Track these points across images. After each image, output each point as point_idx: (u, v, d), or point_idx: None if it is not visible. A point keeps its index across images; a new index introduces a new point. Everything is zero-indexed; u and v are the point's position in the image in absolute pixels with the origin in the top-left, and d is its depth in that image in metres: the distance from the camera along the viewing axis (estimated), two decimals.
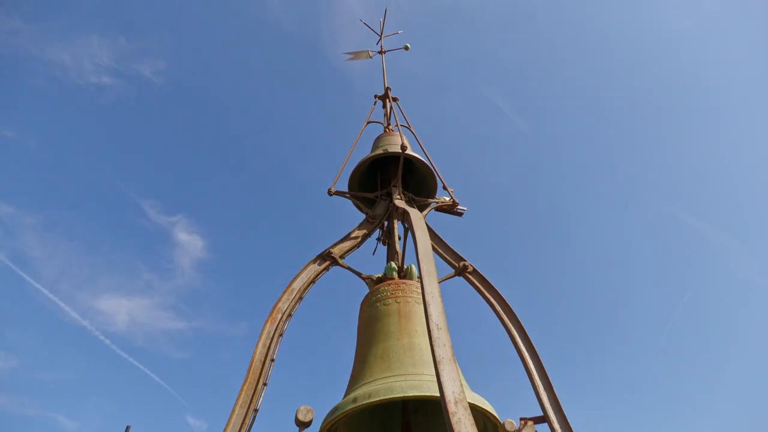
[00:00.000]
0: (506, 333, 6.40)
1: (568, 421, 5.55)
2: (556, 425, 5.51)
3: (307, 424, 5.41)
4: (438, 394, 4.69)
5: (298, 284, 6.48)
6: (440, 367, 3.86)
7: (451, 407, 3.56)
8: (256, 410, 5.39)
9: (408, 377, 4.97)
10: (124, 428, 5.68)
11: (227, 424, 5.26)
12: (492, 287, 6.83)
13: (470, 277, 6.93)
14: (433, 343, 4.08)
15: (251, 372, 5.56)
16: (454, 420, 3.46)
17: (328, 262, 6.78)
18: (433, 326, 4.26)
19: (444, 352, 4.01)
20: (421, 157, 8.17)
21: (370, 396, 4.79)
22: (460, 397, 3.65)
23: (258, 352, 5.72)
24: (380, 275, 6.89)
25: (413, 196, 8.25)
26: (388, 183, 8.16)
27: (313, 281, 6.61)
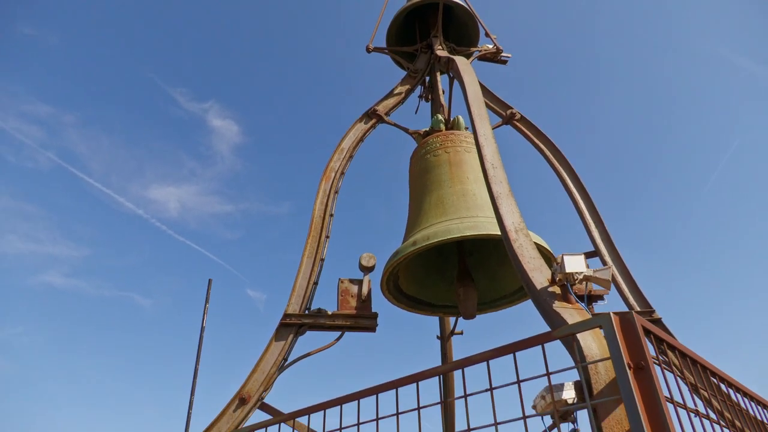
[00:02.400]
0: (556, 176, 6.46)
1: (619, 252, 5.77)
2: (607, 257, 5.75)
3: (371, 269, 5.84)
4: (493, 233, 4.93)
5: (347, 143, 6.58)
6: (499, 202, 3.98)
7: (512, 235, 3.73)
8: (322, 259, 5.82)
9: (464, 219, 5.18)
10: (207, 282, 6.23)
11: (298, 273, 5.74)
12: (541, 132, 6.76)
13: (518, 124, 6.85)
14: (490, 181, 4.18)
15: (313, 226, 5.91)
16: (515, 246, 3.65)
17: (374, 120, 6.79)
18: (488, 166, 4.33)
19: (501, 188, 4.12)
20: (461, 2, 7.69)
21: (428, 238, 5.05)
22: (520, 225, 3.81)
23: (317, 209, 6.02)
24: (427, 129, 6.88)
25: (454, 46, 7.91)
26: (428, 34, 7.80)
27: (361, 139, 6.69)
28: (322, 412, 3.40)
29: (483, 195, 5.45)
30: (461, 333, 7.78)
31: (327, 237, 5.90)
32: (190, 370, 5.90)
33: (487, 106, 6.90)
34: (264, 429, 3.70)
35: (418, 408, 2.74)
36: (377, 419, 2.99)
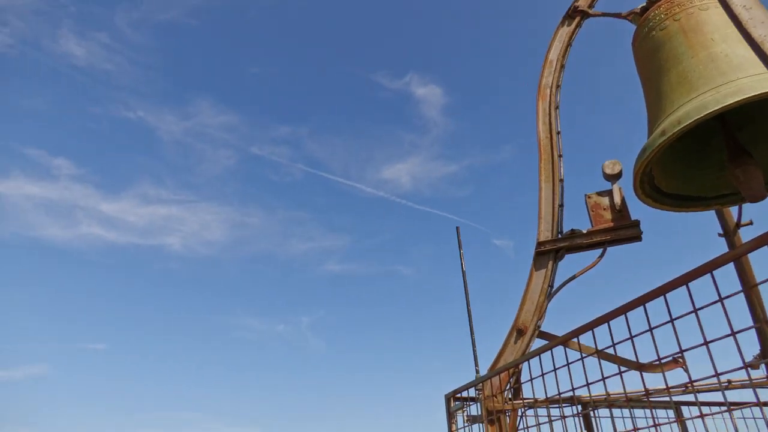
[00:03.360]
0: None
1: None
2: None
3: (618, 176, 5.36)
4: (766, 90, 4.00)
5: (554, 54, 6.11)
6: (766, 47, 3.23)
7: None
8: (561, 180, 5.57)
9: (720, 88, 4.33)
10: (455, 228, 6.55)
11: (539, 199, 5.61)
12: None
13: None
14: (747, 26, 3.41)
15: (542, 149, 5.68)
16: None
17: (577, 18, 6.14)
18: (739, 10, 3.53)
19: (765, 29, 3.32)
20: None
21: (680, 122, 4.38)
22: None
23: (540, 130, 5.76)
24: (643, 4, 5.92)
25: None
26: None
27: (568, 45, 6.13)
28: (590, 332, 3.30)
29: (738, 52, 4.46)
30: (750, 223, 6.60)
31: (560, 156, 5.61)
32: (464, 316, 6.31)
33: None
34: (542, 354, 3.76)
35: (720, 300, 2.44)
36: (650, 329, 2.77)
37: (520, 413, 5.69)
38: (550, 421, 4.40)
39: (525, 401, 5.61)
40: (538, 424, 4.68)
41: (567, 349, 3.68)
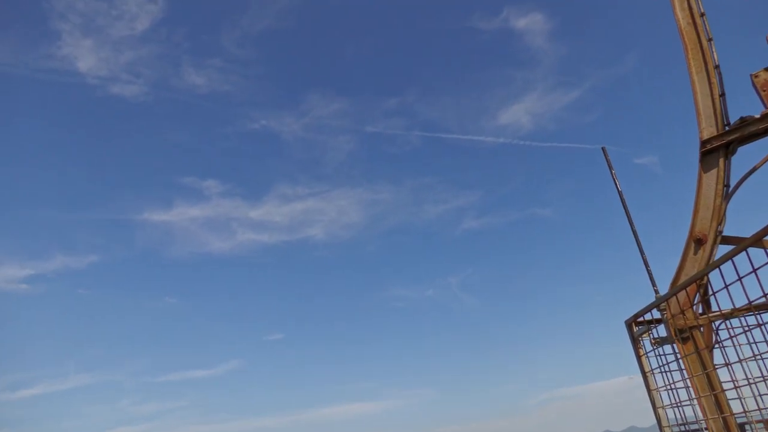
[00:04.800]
0: None
1: None
2: None
3: None
4: None
5: None
6: None
7: None
8: (716, 66, 4.92)
9: None
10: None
11: (694, 94, 5.02)
12: None
13: None
14: None
15: (686, 38, 5.04)
16: None
17: None
18: None
19: None
20: None
21: None
22: None
23: (680, 17, 5.10)
24: None
25: None
26: None
27: None
28: None
29: None
30: None
31: (709, 40, 4.93)
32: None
33: None
34: (734, 258, 3.42)
35: None
36: None
37: (714, 327, 5.28)
38: (751, 330, 4.02)
39: (713, 314, 5.19)
40: (735, 335, 4.31)
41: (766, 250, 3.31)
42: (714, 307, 5.29)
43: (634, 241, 6.01)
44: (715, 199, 4.85)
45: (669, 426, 5.24)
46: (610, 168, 6.03)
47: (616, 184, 5.86)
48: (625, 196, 5.97)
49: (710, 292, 5.26)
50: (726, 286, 3.60)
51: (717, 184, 4.88)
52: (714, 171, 4.90)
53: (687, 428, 5.05)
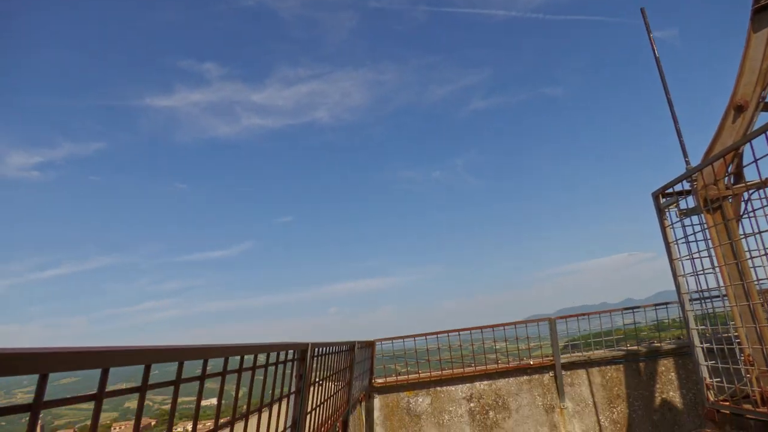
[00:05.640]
0: None
1: None
2: None
3: None
4: None
5: None
6: None
7: None
8: None
9: None
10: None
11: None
12: None
13: None
14: None
15: None
16: None
17: None
18: None
19: None
20: None
21: None
22: None
23: None
24: None
25: None
26: None
27: None
28: None
29: None
30: None
31: None
32: (661, 111, 5.65)
33: None
34: None
35: None
36: None
37: (744, 197, 5.21)
38: None
39: (749, 183, 5.09)
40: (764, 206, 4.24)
41: None
42: (750, 178, 5.18)
43: (667, 111, 5.74)
44: (762, 62, 4.51)
45: (687, 293, 5.41)
46: (648, 31, 5.58)
47: (653, 48, 5.45)
48: (642, 71, 5.60)
49: (744, 163, 5.12)
50: (755, 159, 3.46)
51: (767, 47, 4.51)
52: (765, 31, 4.50)
53: (705, 294, 5.21)
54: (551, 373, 10.48)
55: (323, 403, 5.20)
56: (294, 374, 3.57)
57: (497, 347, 10.73)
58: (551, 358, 10.57)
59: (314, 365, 4.13)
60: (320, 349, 4.15)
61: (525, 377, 10.53)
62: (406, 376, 10.66)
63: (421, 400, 10.48)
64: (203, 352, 1.88)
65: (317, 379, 4.44)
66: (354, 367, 7.19)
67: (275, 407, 3.18)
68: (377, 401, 10.44)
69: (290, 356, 3.54)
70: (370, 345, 9.91)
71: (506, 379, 10.55)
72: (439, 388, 10.54)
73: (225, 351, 2.19)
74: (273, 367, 3.14)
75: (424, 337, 10.78)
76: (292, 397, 3.56)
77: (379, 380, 10.57)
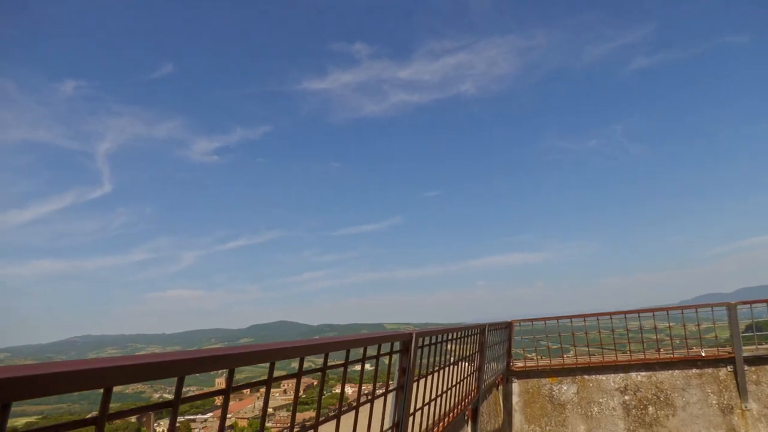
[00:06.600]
0: None
1: None
2: None
3: None
4: None
5: None
6: None
7: None
8: None
9: None
10: None
11: None
12: None
13: None
14: None
15: None
16: None
17: None
18: None
19: None
20: None
21: None
22: None
23: None
24: None
25: None
26: None
27: None
28: None
29: None
30: None
31: None
32: None
33: None
34: None
35: None
36: None
37: None
38: None
39: None
40: None
41: None
42: None
43: None
44: None
45: None
46: None
47: None
48: None
49: None
50: None
51: None
52: None
53: None
54: (729, 368, 8.82)
55: (449, 390, 4.76)
56: (397, 368, 3.15)
57: (658, 334, 9.31)
58: (729, 350, 8.89)
59: (426, 353, 3.67)
60: (430, 338, 3.67)
61: (695, 370, 9.01)
62: (549, 361, 9.77)
63: (565, 388, 9.54)
64: (292, 351, 1.78)
65: (436, 367, 4.00)
66: (485, 351, 6.61)
67: (377, 403, 2.79)
68: (516, 386, 9.74)
69: (396, 347, 3.12)
70: (507, 326, 9.20)
71: (670, 371, 9.14)
72: (587, 377, 9.50)
73: (308, 350, 1.90)
74: (372, 362, 2.75)
75: (569, 320, 9.76)
76: (392, 395, 3.14)
77: (519, 364, 9.83)
